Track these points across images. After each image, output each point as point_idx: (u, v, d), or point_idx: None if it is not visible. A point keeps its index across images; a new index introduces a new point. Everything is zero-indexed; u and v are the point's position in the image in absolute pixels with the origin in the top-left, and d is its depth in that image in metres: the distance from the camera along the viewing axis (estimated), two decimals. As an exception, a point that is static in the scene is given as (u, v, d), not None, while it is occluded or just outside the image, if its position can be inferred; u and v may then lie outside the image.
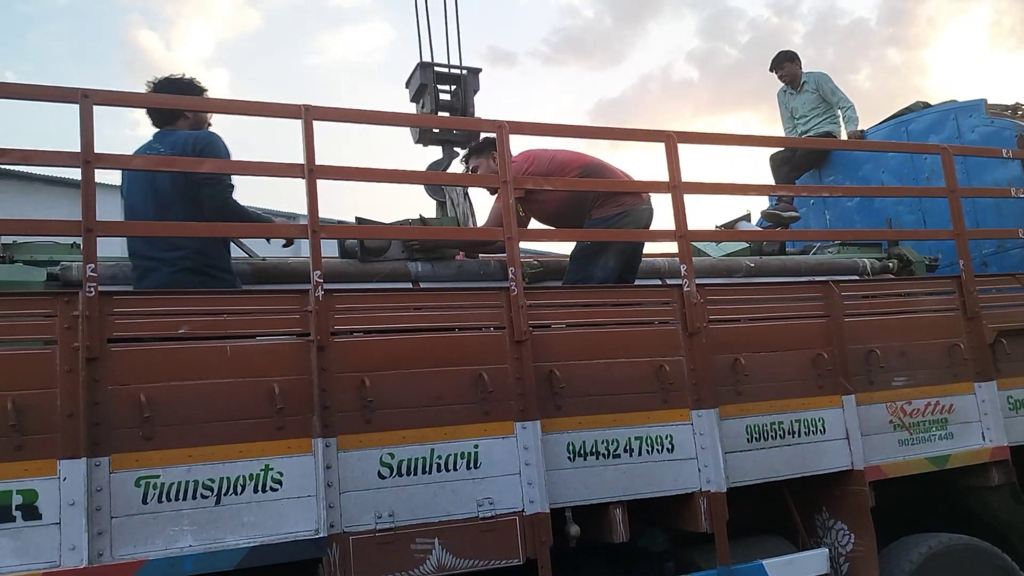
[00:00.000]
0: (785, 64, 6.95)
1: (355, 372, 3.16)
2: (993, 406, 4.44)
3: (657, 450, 3.65)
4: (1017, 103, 5.78)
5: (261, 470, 2.96)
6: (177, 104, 3.29)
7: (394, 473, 3.15)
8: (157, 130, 3.72)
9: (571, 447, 3.50)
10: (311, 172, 3.22)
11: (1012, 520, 4.59)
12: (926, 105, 6.26)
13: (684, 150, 3.96)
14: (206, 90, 3.81)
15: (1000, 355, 4.58)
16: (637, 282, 4.51)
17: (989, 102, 5.65)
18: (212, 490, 2.88)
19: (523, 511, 3.31)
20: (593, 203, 4.39)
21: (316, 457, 3.02)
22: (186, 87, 3.71)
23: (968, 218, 5.02)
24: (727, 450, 3.76)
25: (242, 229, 3.49)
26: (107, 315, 2.88)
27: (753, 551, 3.88)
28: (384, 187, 4.14)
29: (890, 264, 5.28)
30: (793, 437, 3.97)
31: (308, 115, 3.27)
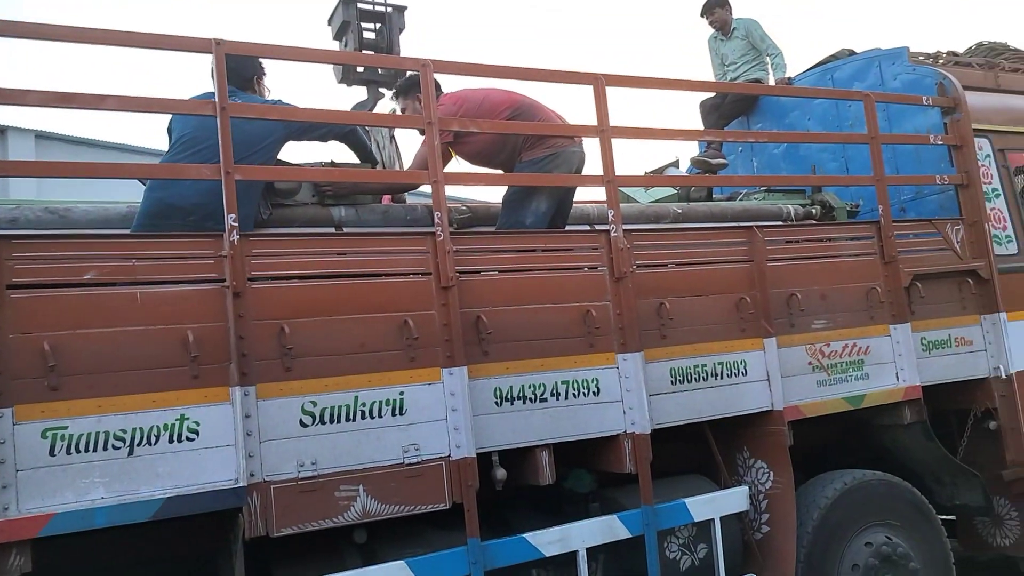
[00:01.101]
0: (716, 10, 6.91)
1: (274, 319, 3.08)
2: (907, 347, 4.59)
3: (583, 393, 3.68)
4: (938, 51, 5.88)
5: (176, 420, 2.87)
6: (53, 34, 3.01)
7: (316, 421, 3.10)
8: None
9: (498, 392, 3.49)
10: (223, 111, 3.08)
11: (923, 456, 4.80)
12: (851, 53, 6.31)
13: (614, 94, 3.94)
14: (263, 68, 4.02)
15: (915, 298, 4.73)
16: (566, 227, 4.49)
17: (912, 50, 5.73)
18: (124, 441, 2.79)
19: (449, 456, 3.30)
20: (523, 145, 4.32)
21: (234, 406, 2.94)
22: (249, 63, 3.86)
23: (889, 165, 5.11)
24: (652, 392, 3.81)
25: (145, 170, 3.33)
26: (5, 260, 2.73)
27: (676, 490, 3.96)
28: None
29: (813, 210, 5.36)
30: (716, 379, 4.04)
31: (219, 50, 3.11)
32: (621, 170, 3.94)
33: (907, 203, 5.63)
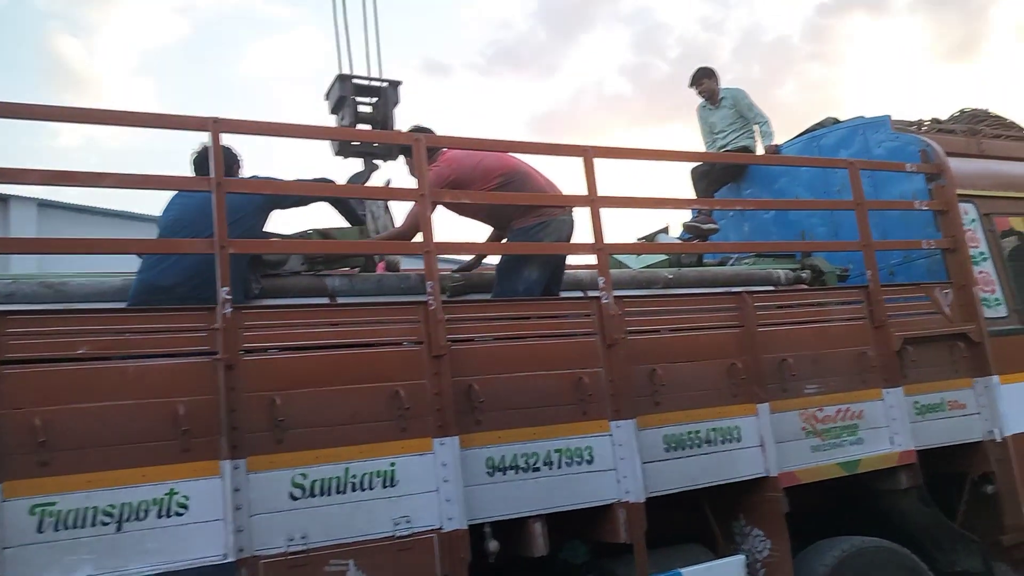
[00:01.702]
0: (704, 80, 7.09)
1: (265, 391, 3.09)
2: (900, 411, 4.59)
3: (576, 462, 3.66)
4: (920, 119, 6.01)
5: (165, 494, 2.86)
6: (47, 115, 3.11)
7: (307, 494, 3.09)
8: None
9: (490, 462, 3.48)
10: (219, 187, 3.15)
11: (921, 521, 4.75)
12: (836, 121, 6.45)
13: (609, 163, 4.02)
14: (240, 157, 4.01)
15: (907, 362, 4.74)
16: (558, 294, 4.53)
17: (894, 118, 5.86)
18: (113, 516, 2.77)
19: (441, 528, 3.28)
20: (513, 213, 4.39)
21: (224, 480, 2.94)
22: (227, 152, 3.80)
23: (876, 230, 5.17)
24: (646, 460, 3.79)
25: (142, 245, 3.39)
26: (0, 336, 2.76)
27: (672, 559, 3.91)
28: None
29: (803, 275, 5.41)
30: (710, 446, 4.03)
31: (216, 128, 3.20)
32: (612, 234, 4.03)
33: (896, 267, 5.69)
